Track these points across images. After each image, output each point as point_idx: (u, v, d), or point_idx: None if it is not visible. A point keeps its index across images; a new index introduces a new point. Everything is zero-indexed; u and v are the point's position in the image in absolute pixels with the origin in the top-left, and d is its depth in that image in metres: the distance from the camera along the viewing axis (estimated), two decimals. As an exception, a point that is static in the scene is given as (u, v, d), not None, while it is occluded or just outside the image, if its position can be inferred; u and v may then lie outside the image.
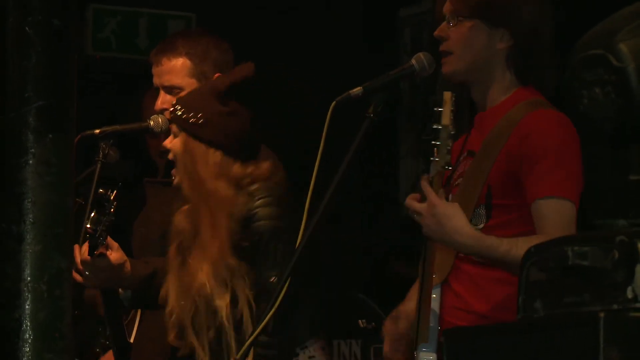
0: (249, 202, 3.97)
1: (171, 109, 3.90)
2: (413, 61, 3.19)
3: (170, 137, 3.92)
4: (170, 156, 3.81)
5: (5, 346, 2.71)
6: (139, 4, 7.55)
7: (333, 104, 2.96)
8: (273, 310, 2.91)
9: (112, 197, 3.84)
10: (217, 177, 3.92)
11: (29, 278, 2.56)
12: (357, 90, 3.07)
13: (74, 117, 2.75)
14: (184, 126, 3.91)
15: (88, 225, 3.72)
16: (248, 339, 3.05)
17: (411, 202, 3.06)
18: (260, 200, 3.91)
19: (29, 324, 2.57)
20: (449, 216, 2.99)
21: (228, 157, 4.00)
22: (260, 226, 3.94)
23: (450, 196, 3.21)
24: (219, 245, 3.90)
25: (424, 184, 2.98)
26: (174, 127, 3.97)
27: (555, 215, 3.12)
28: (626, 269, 2.22)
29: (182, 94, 3.94)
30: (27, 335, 2.59)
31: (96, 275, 3.90)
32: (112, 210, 3.73)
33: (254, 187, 4.01)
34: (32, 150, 2.57)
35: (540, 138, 3.14)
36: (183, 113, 3.89)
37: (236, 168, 4.03)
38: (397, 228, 6.19)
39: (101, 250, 3.81)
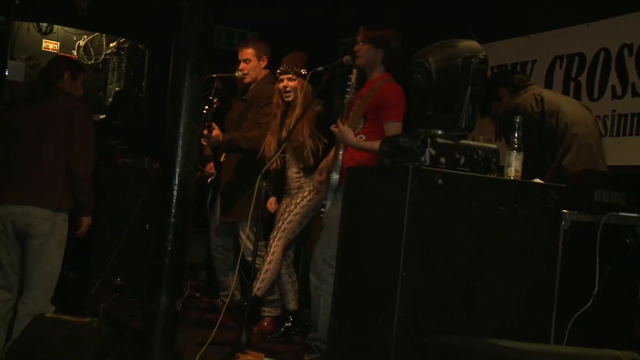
0: None
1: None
2: (344, 58, 5.87)
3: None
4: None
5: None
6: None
7: (309, 73, 5.81)
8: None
9: (214, 100, 6.57)
10: None
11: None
12: (320, 68, 5.74)
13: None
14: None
15: (204, 111, 6.33)
16: None
17: (333, 128, 5.66)
18: None
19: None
20: (346, 134, 5.59)
21: None
22: None
23: (351, 113, 5.81)
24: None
25: (338, 122, 5.66)
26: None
27: (393, 129, 5.56)
28: (423, 148, 4.29)
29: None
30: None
31: (208, 140, 6.60)
32: (214, 107, 6.32)
33: None
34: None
35: (389, 95, 5.77)
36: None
37: None
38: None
39: (208, 130, 6.49)
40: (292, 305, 6.87)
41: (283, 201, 6.81)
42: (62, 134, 6.23)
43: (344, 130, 5.61)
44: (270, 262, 6.57)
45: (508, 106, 5.89)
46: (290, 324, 6.82)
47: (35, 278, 6.19)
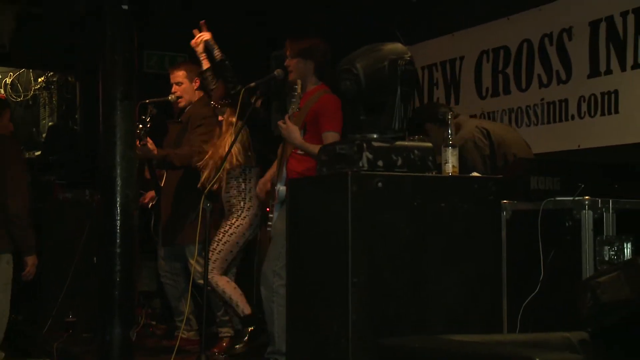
0: None
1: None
2: (275, 72, 5.82)
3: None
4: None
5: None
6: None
7: (242, 89, 5.79)
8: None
9: (147, 120, 6.57)
10: None
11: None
12: (252, 84, 5.81)
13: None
14: None
15: (137, 131, 6.20)
16: None
17: (280, 123, 5.55)
18: None
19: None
20: (293, 131, 5.51)
21: None
22: None
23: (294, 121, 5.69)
24: None
25: (286, 118, 5.52)
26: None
27: (331, 138, 5.56)
28: (360, 154, 4.34)
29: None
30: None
31: (143, 152, 6.49)
32: (148, 126, 6.34)
33: None
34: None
35: (326, 105, 5.78)
36: None
37: None
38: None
39: (143, 142, 6.37)
40: (246, 310, 6.71)
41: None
42: None
43: (291, 127, 5.58)
44: (224, 291, 6.61)
45: (454, 141, 5.86)
46: (247, 337, 6.67)
47: None
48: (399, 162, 4.50)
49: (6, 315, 6.27)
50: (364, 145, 4.44)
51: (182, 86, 7.17)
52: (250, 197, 6.63)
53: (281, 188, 5.78)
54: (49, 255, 7.41)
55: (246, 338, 6.63)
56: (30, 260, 6.38)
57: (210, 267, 6.44)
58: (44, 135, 11.85)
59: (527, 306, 4.52)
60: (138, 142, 6.33)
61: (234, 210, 6.65)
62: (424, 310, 4.36)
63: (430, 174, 4.58)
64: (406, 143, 4.60)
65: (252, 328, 6.63)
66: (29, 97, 11.89)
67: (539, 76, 7.16)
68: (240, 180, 6.63)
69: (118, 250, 5.59)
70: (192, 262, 6.76)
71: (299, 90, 5.80)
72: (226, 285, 6.63)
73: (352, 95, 4.62)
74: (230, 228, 6.59)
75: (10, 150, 6.39)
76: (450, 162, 4.67)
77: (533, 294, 4.50)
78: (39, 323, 7.84)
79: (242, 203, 6.65)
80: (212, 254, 6.52)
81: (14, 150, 6.39)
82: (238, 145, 6.48)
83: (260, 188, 6.36)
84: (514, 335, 4.34)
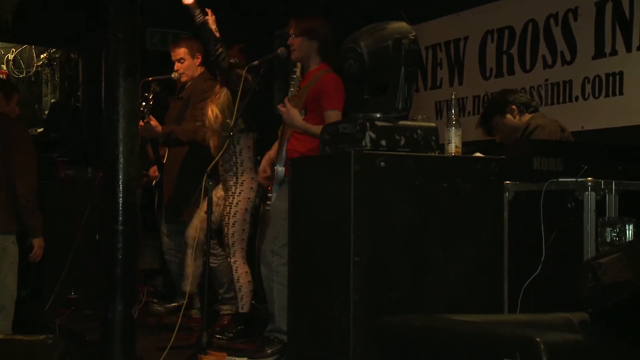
0: None
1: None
2: (279, 50, 5.85)
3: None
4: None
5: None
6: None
7: (245, 69, 5.78)
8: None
9: (150, 97, 6.58)
10: None
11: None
12: (255, 62, 5.80)
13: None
14: None
15: (141, 109, 6.21)
16: None
17: (281, 107, 5.60)
18: None
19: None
20: (293, 114, 5.55)
21: None
22: None
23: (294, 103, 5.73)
24: None
25: (285, 101, 5.58)
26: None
27: (333, 117, 5.55)
28: (363, 133, 4.32)
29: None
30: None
31: (147, 129, 6.53)
32: (150, 104, 6.37)
33: None
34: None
35: (328, 84, 5.75)
36: None
37: None
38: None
39: (147, 120, 6.41)
40: (245, 308, 6.76)
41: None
42: (1, 157, 6.20)
43: (292, 111, 5.62)
44: (238, 279, 6.63)
45: (526, 124, 5.86)
46: (242, 326, 6.69)
47: None
48: (402, 141, 4.47)
49: (14, 296, 6.30)
50: (367, 124, 4.42)
51: (185, 63, 7.16)
52: (242, 170, 6.66)
53: (280, 169, 5.78)
54: (51, 232, 7.34)
55: (231, 333, 6.62)
56: (37, 242, 6.38)
57: (232, 252, 6.58)
58: (46, 112, 11.84)
59: (528, 287, 4.54)
60: (141, 121, 6.34)
61: (229, 187, 6.71)
62: (425, 290, 4.34)
63: (433, 154, 4.55)
64: (409, 123, 4.57)
65: (242, 327, 6.64)
66: (31, 73, 11.85)
67: (544, 57, 7.18)
68: (232, 152, 6.63)
69: (120, 227, 5.59)
70: (190, 233, 6.77)
71: (298, 74, 5.81)
72: (243, 276, 6.66)
73: (356, 74, 4.58)
74: (231, 209, 6.61)
75: (19, 134, 6.38)
76: (454, 142, 4.64)
77: (534, 274, 4.51)
78: (42, 299, 7.86)
79: (234, 179, 6.68)
80: (228, 240, 6.61)
81: (22, 134, 6.40)
82: (223, 110, 6.56)
83: (261, 176, 6.35)
84: (515, 315, 4.35)
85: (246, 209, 6.65)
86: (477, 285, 4.48)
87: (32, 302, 7.72)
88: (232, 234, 6.58)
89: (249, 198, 6.68)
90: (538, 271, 4.47)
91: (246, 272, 6.68)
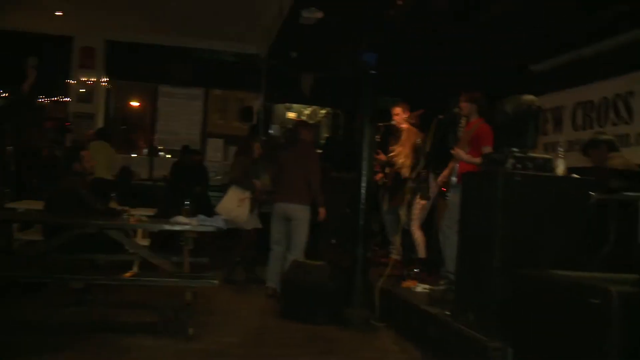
0: None
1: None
2: (455, 110, 5.54)
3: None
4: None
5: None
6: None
7: (436, 119, 5.52)
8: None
9: (378, 136, 6.44)
10: None
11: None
12: (441, 116, 5.56)
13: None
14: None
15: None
16: None
17: (452, 151, 5.32)
18: None
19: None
20: (460, 153, 5.25)
21: None
22: None
23: (460, 143, 5.42)
24: None
25: (455, 148, 5.30)
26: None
27: (486, 151, 4.94)
28: (506, 159, 4.03)
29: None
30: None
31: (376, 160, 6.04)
32: (379, 137, 6.13)
33: None
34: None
35: (483, 132, 5.31)
36: None
37: None
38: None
39: (376, 152, 6.22)
40: (421, 254, 6.37)
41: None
42: (303, 163, 6.24)
43: (460, 151, 5.34)
44: (416, 239, 6.35)
45: (620, 164, 5.09)
46: (419, 268, 6.20)
47: (295, 241, 6.24)
48: (530, 165, 4.12)
49: (306, 239, 6.26)
50: (510, 154, 4.12)
51: (399, 116, 6.90)
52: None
53: (453, 179, 5.49)
54: (329, 207, 7.33)
55: (410, 273, 6.07)
56: (322, 211, 6.35)
57: (412, 222, 6.29)
58: (322, 141, 11.90)
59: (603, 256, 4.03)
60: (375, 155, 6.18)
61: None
62: (542, 256, 3.94)
63: (549, 174, 4.18)
64: (535, 154, 4.21)
65: (417, 270, 6.16)
66: (316, 121, 11.96)
67: (613, 118, 6.59)
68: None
69: (362, 206, 5.56)
70: (402, 215, 6.54)
71: (463, 123, 5.50)
72: (417, 233, 6.35)
73: (503, 124, 4.31)
74: (417, 204, 6.35)
75: (313, 153, 6.43)
76: (561, 167, 4.25)
77: (607, 249, 4.01)
78: (320, 244, 7.81)
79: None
80: (414, 214, 6.31)
81: (315, 153, 6.46)
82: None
83: (439, 181, 6.04)
84: (598, 274, 3.89)
85: (425, 206, 6.39)
86: (574, 255, 4.01)
87: (314, 244, 7.61)
88: (415, 214, 6.33)
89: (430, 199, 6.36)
90: (609, 246, 3.98)
91: (419, 232, 6.37)
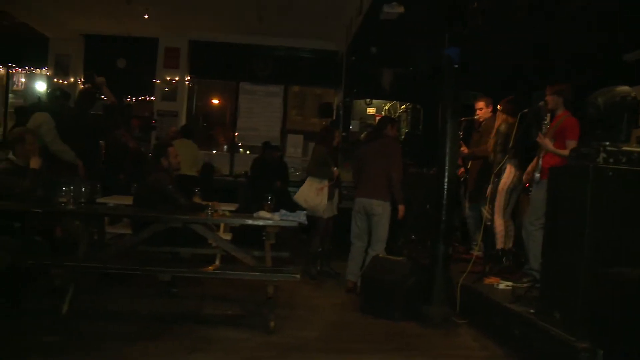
0: None
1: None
2: (540, 104, 5.30)
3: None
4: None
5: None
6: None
7: (520, 114, 5.35)
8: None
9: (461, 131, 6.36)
10: None
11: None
12: (526, 110, 5.31)
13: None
14: None
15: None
16: None
17: (538, 139, 5.13)
18: None
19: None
20: (546, 143, 5.05)
21: None
22: None
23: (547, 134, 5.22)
24: None
25: (540, 135, 5.13)
26: None
27: (571, 145, 4.85)
28: (597, 153, 3.87)
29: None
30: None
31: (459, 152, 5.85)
32: (461, 133, 6.08)
33: None
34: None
35: (570, 124, 5.09)
36: None
37: None
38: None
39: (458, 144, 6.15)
40: (499, 245, 6.12)
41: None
42: (386, 158, 6.16)
43: (546, 141, 5.15)
44: (496, 227, 6.10)
45: None
46: (509, 262, 5.99)
47: (376, 236, 6.21)
48: (624, 160, 3.93)
49: (387, 234, 6.22)
50: (601, 148, 3.95)
51: (482, 111, 6.77)
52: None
53: (537, 174, 5.29)
54: (405, 203, 7.24)
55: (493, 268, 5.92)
56: (401, 208, 6.25)
57: (495, 212, 6.05)
58: (402, 137, 11.74)
59: None
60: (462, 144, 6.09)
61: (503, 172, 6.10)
62: (634, 258, 3.76)
63: (642, 168, 3.96)
64: (629, 148, 4.00)
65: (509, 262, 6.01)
66: (397, 115, 11.82)
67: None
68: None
69: (444, 202, 5.49)
70: (484, 211, 6.40)
71: (547, 119, 5.31)
72: (498, 224, 6.08)
73: (594, 118, 4.10)
74: (502, 188, 6.07)
75: (396, 147, 6.30)
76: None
77: None
78: (398, 239, 7.69)
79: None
80: (498, 204, 6.07)
81: (397, 147, 6.33)
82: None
83: (525, 177, 5.82)
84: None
85: (510, 192, 6.03)
86: None
87: (394, 239, 7.53)
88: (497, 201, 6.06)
89: (513, 188, 6.03)
90: None
91: (501, 223, 6.06)
